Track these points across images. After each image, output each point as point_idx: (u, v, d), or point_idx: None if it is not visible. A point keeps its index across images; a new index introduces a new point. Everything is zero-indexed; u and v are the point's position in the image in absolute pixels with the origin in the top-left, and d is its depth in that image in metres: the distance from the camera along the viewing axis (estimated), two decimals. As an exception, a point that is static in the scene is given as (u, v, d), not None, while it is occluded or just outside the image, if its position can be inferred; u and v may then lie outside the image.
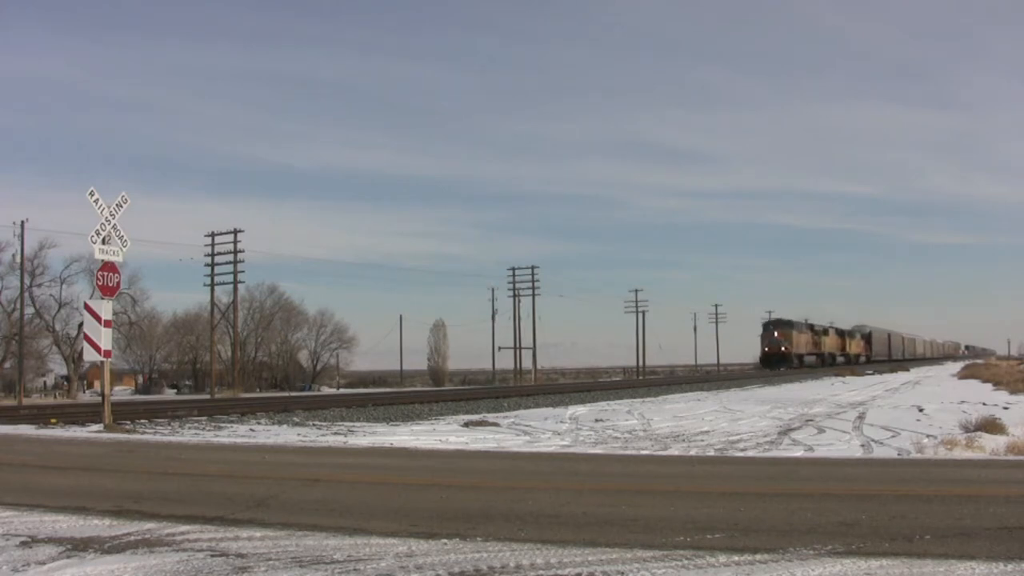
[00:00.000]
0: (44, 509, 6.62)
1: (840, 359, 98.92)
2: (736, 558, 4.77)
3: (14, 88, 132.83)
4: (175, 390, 64.70)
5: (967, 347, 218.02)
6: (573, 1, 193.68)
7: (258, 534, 5.61)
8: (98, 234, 15.20)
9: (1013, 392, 31.01)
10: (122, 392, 60.07)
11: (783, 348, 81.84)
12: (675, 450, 12.27)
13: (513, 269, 74.64)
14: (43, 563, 4.90)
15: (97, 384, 52.91)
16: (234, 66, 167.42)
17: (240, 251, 52.78)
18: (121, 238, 15.53)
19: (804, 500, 6.86)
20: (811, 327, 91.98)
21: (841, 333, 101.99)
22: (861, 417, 18.63)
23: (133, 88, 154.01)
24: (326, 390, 62.01)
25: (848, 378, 48.90)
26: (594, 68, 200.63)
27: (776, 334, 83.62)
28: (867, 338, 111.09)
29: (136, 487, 7.92)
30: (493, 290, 75.91)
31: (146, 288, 71.35)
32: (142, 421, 16.50)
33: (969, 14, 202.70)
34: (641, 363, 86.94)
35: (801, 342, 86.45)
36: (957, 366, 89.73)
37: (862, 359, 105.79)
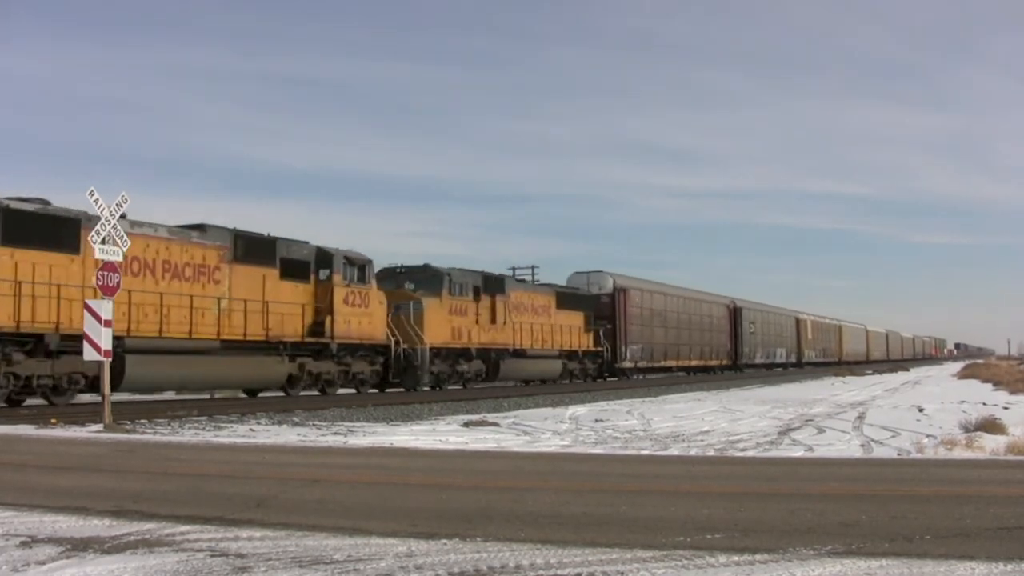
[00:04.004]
0: (44, 509, 6.61)
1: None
2: (736, 558, 4.77)
3: (13, 88, 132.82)
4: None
5: (957, 345, 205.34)
6: (573, 1, 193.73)
7: (258, 534, 5.61)
8: (98, 234, 15.17)
9: (1013, 392, 30.97)
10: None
11: None
12: (675, 450, 12.26)
13: (513, 269, 74.04)
14: (43, 563, 4.90)
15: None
16: (234, 66, 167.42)
17: (240, 251, 52.87)
18: (121, 238, 15.50)
19: (804, 500, 6.85)
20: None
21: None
22: (861, 417, 18.62)
23: (133, 88, 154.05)
24: (326, 390, 61.87)
25: (848, 378, 49.01)
26: (594, 68, 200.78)
27: None
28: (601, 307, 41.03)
29: (136, 487, 7.91)
30: (492, 290, 75.47)
31: (146, 288, 71.37)
32: (142, 421, 16.47)
33: (968, 14, 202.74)
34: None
35: None
36: (955, 367, 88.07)
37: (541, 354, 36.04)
